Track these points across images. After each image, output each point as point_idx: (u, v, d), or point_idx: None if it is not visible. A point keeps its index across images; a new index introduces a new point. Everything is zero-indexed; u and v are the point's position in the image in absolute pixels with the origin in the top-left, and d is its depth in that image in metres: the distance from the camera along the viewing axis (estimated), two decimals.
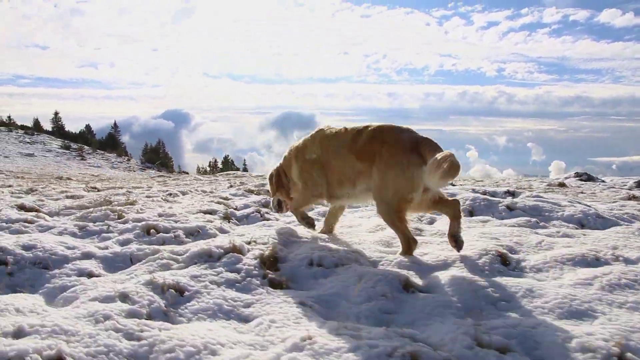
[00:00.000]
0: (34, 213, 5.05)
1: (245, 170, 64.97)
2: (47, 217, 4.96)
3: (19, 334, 2.14)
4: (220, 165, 64.92)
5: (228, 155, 68.31)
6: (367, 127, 4.11)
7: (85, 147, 45.75)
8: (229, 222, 5.44)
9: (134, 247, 3.90)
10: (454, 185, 9.03)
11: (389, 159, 3.80)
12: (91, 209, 5.16)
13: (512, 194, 6.96)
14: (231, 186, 10.41)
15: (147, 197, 7.17)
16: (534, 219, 5.34)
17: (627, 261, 3.58)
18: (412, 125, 4.00)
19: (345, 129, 4.29)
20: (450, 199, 4.10)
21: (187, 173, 39.76)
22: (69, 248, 3.66)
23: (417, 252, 3.90)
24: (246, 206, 6.34)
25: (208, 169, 61.73)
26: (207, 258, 3.49)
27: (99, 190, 8.55)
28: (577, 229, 5.12)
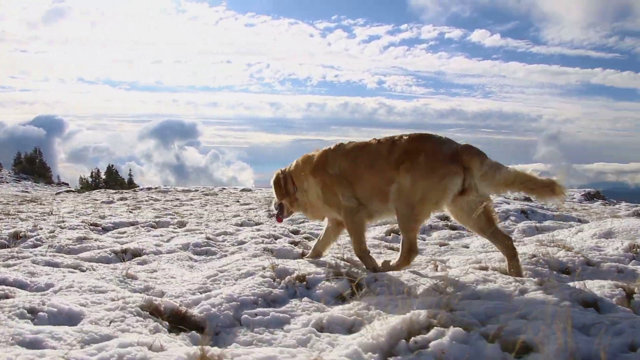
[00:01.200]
0: None
1: (131, 182, 63.43)
2: None
3: None
4: (103, 175, 63.20)
5: (112, 165, 66.02)
6: (402, 136, 3.98)
7: None
8: None
9: None
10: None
11: (426, 168, 3.67)
12: None
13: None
14: (236, 216, 9.88)
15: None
16: None
17: None
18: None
19: (377, 140, 4.11)
20: (504, 233, 3.98)
21: (67, 184, 40.85)
22: None
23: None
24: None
25: (90, 179, 60.03)
26: None
27: None
28: None
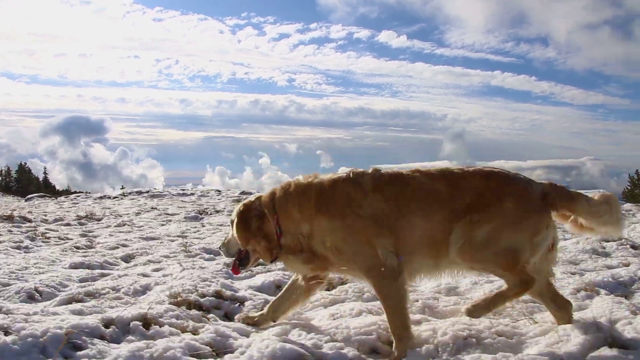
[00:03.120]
0: None
1: (47, 181, 57.54)
2: None
3: None
4: (14, 174, 58.45)
5: (25, 163, 60.71)
6: (466, 172, 3.07)
7: None
8: None
9: None
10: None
11: (515, 217, 2.86)
12: None
13: None
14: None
15: None
16: None
17: None
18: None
19: (424, 172, 3.10)
20: (562, 295, 3.26)
21: None
22: None
23: None
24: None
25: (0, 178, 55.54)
26: None
27: None
28: None
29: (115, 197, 19.21)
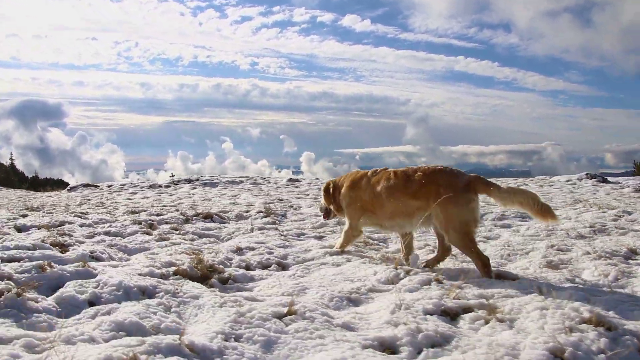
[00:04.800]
0: None
1: (14, 167, 50.91)
2: None
3: None
4: None
5: None
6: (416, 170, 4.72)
7: None
8: None
9: None
10: None
11: (449, 198, 4.31)
12: None
13: None
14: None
15: None
16: None
17: None
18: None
19: (394, 172, 4.91)
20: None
21: None
22: None
23: None
24: None
25: None
26: None
27: None
28: None
29: (168, 186, 17.37)
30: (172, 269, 4.07)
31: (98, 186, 18.05)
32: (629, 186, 15.83)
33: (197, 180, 18.64)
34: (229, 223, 7.54)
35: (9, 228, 5.91)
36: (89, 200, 13.39)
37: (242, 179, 19.30)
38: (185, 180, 18.72)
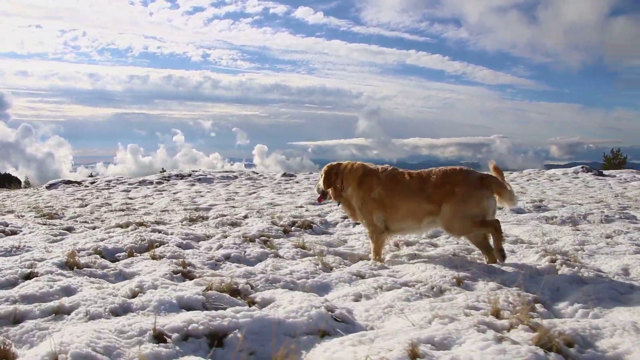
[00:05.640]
0: None
1: None
2: None
3: None
4: None
5: None
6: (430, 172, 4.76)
7: None
8: None
9: None
10: None
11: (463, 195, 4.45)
12: None
13: None
14: None
15: None
16: None
17: None
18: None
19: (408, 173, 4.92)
20: (490, 244, 4.79)
21: None
22: None
23: None
24: None
25: None
26: None
27: None
28: None
29: (160, 182, 15.98)
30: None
31: (81, 183, 16.27)
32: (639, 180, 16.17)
33: (190, 175, 17.35)
34: (333, 233, 6.42)
35: (94, 256, 4.24)
36: (83, 200, 11.80)
37: (236, 174, 18.29)
38: (177, 175, 17.34)
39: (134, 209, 9.09)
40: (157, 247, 4.67)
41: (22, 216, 7.61)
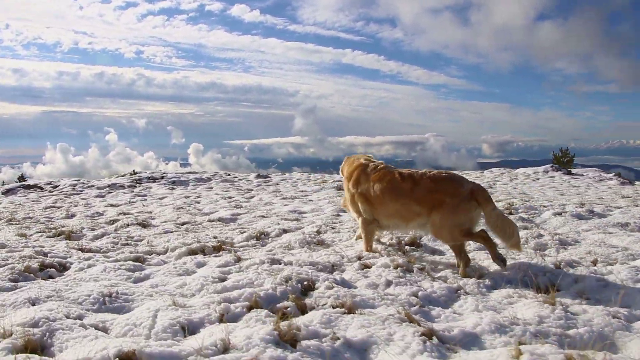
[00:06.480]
0: None
1: None
2: None
3: None
4: None
5: None
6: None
7: None
8: None
9: None
10: None
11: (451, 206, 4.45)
12: None
13: None
14: None
15: None
16: None
17: None
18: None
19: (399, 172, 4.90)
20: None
21: None
22: None
23: None
24: None
25: None
26: None
27: None
28: None
29: (132, 186, 14.43)
30: None
31: (42, 188, 14.35)
32: (611, 179, 16.86)
33: (162, 178, 15.97)
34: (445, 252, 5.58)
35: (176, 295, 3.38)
36: (59, 208, 10.27)
37: (209, 176, 17.11)
38: (148, 178, 15.83)
39: (148, 221, 7.86)
40: (315, 288, 3.63)
41: (25, 235, 6.24)
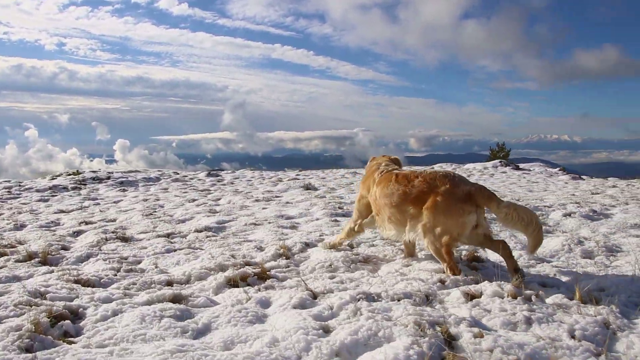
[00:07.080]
0: None
1: None
2: None
3: None
4: None
5: None
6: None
7: None
8: None
9: None
10: None
11: (444, 207, 4.12)
12: None
13: None
14: None
15: None
16: None
17: None
18: None
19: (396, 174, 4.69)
20: (496, 239, 4.44)
21: None
22: None
23: None
24: None
25: None
26: None
27: None
28: None
29: (77, 187, 12.78)
30: None
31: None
32: (557, 174, 17.59)
33: (109, 178, 14.43)
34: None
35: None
36: (3, 219, 8.75)
37: (157, 175, 15.75)
38: (93, 178, 14.19)
39: (125, 232, 6.70)
40: (454, 337, 2.84)
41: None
